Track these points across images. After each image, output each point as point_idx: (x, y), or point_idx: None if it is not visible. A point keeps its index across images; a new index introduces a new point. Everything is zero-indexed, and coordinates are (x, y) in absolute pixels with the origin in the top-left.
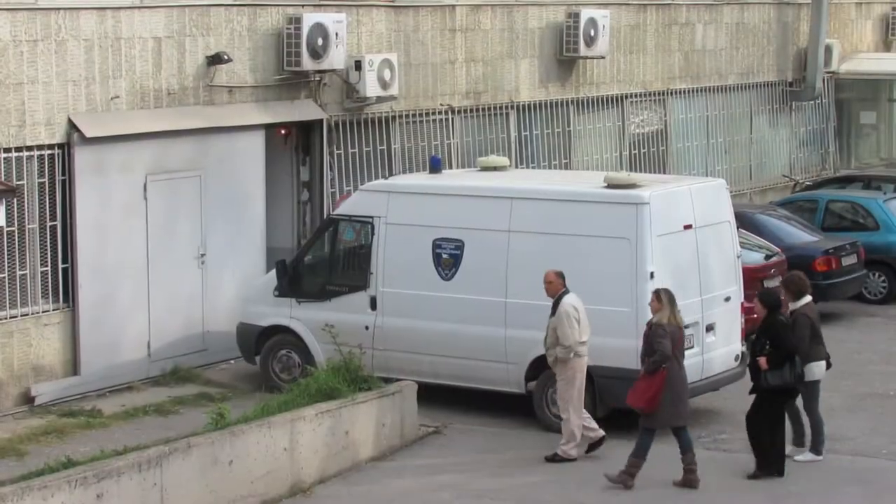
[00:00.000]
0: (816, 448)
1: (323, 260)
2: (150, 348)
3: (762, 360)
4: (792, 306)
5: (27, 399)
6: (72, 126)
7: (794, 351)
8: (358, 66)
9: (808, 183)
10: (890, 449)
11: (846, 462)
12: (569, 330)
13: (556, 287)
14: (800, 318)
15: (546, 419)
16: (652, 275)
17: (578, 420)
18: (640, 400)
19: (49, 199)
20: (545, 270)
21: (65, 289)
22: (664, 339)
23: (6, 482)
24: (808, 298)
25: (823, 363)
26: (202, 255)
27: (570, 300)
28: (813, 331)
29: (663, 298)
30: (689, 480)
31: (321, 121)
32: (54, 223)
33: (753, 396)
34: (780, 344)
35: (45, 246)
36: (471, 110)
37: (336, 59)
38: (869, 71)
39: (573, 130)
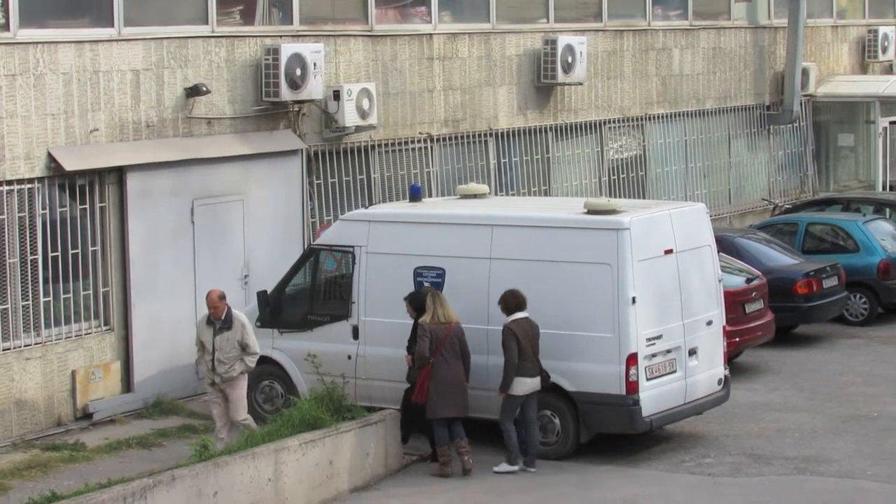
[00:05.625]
0: (509, 458)
1: (304, 290)
2: (197, 366)
3: (408, 358)
4: (504, 320)
5: (85, 415)
6: (55, 163)
7: (422, 354)
8: (336, 95)
9: (787, 206)
10: (874, 470)
11: (831, 484)
12: (256, 338)
13: (224, 306)
14: (504, 331)
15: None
16: (633, 300)
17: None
18: (416, 394)
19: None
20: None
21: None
22: (423, 339)
23: None
24: (519, 314)
25: (530, 380)
26: (245, 277)
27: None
28: (520, 346)
29: (428, 300)
30: (462, 462)
31: (300, 151)
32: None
33: None
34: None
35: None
36: (449, 138)
37: (314, 89)
38: (846, 94)
39: (552, 157)
